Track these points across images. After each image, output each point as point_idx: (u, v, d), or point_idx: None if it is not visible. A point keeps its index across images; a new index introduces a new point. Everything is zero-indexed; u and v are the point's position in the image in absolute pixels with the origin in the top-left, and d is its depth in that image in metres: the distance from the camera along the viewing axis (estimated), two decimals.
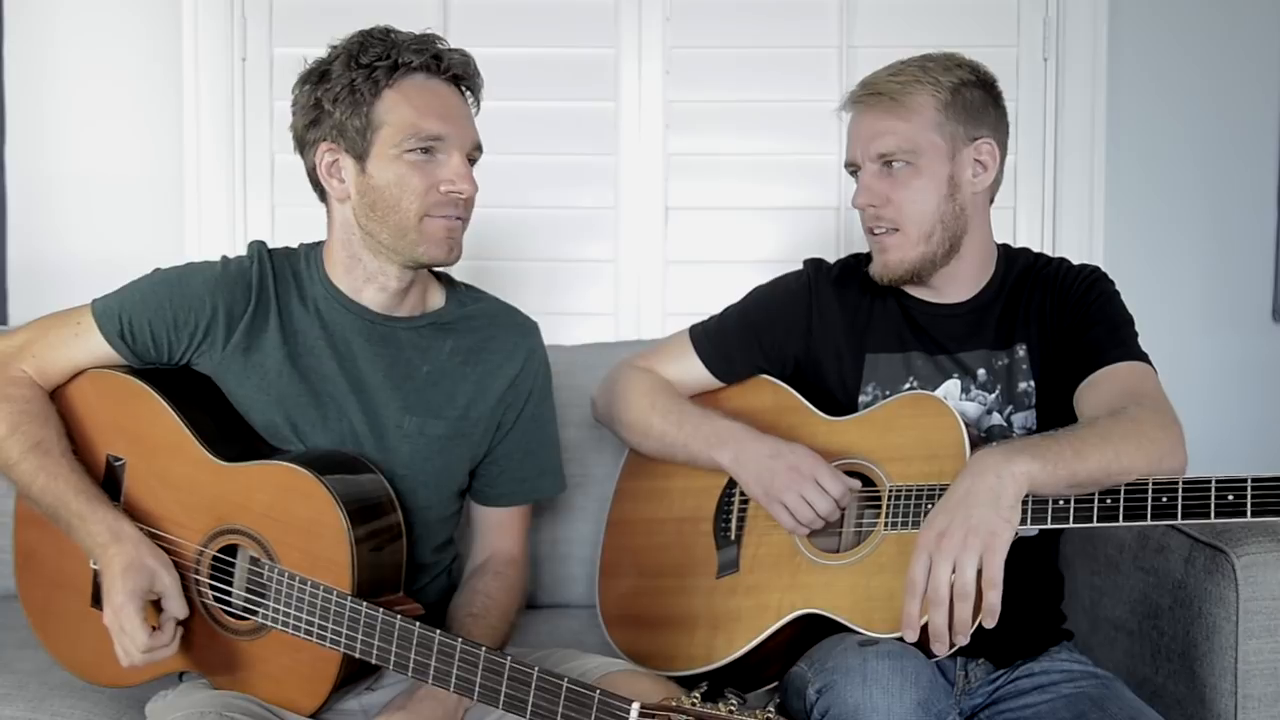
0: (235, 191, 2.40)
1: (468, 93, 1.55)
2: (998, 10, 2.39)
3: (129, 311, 1.52)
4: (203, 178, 2.40)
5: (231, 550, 1.47)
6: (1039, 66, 2.37)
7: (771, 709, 1.20)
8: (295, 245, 1.62)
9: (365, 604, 1.37)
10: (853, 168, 1.68)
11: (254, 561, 1.44)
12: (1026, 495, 1.38)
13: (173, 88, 2.39)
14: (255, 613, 1.44)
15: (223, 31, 2.37)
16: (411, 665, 1.35)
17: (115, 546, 1.42)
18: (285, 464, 1.44)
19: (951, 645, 1.38)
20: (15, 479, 1.50)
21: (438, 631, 1.35)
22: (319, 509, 1.41)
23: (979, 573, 1.34)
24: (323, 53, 1.52)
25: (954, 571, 1.34)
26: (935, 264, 1.64)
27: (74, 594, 1.55)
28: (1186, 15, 2.39)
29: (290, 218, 2.37)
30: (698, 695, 1.23)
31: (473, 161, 1.54)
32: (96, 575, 1.48)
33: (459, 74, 1.52)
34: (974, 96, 1.62)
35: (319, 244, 1.60)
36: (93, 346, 1.54)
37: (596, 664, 1.52)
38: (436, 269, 1.61)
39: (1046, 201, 2.39)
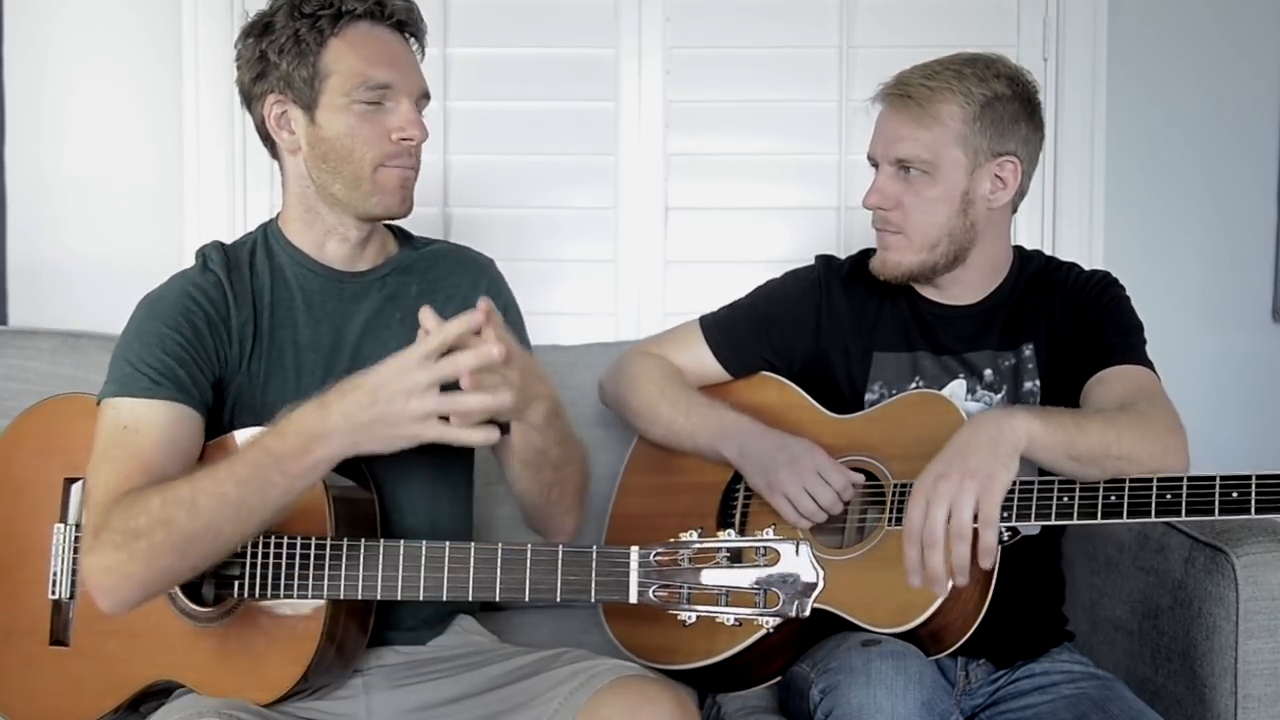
0: (235, 191, 2.39)
1: (412, 39, 1.52)
2: (998, 10, 2.38)
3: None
4: (203, 178, 2.39)
5: None
6: (1039, 66, 2.36)
7: (770, 530, 1.21)
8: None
9: (346, 542, 1.33)
10: (873, 162, 1.66)
11: None
12: (1031, 486, 1.39)
13: (173, 88, 2.38)
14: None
15: (223, 31, 2.36)
16: (400, 585, 1.32)
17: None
18: None
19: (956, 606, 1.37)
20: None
21: (424, 543, 1.32)
22: None
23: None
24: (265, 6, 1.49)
25: (950, 516, 1.36)
26: (936, 271, 1.64)
27: (27, 637, 1.45)
28: (1186, 16, 2.39)
29: None
30: (695, 533, 1.24)
31: (420, 110, 1.52)
32: (55, 608, 1.44)
33: (403, 20, 1.49)
34: (1006, 111, 1.59)
35: (275, 217, 1.58)
36: None
37: (609, 666, 1.50)
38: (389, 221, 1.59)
39: (1046, 201, 2.39)
